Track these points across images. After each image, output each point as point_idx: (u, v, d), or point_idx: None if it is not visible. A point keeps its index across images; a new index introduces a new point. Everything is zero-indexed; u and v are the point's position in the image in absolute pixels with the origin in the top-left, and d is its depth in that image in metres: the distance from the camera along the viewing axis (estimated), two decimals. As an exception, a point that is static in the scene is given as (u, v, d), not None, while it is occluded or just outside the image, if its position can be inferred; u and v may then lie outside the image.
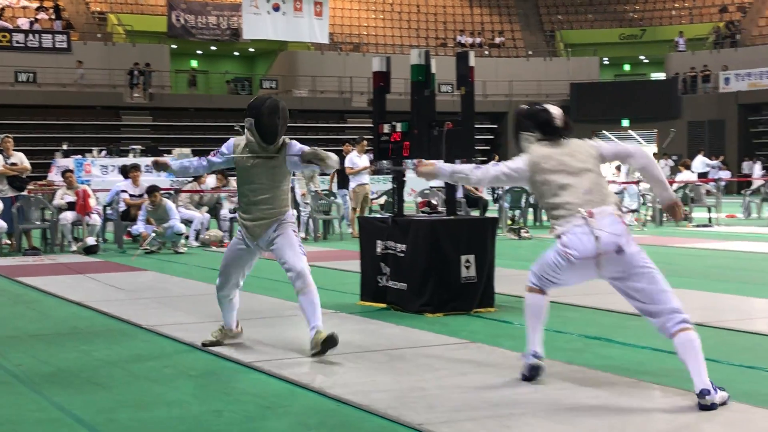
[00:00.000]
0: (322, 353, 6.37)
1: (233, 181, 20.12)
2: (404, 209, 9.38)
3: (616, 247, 5.38)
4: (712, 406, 5.08)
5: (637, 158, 5.75)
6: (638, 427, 4.78)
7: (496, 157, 28.17)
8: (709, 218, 21.38)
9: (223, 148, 6.81)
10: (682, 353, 5.29)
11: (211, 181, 18.69)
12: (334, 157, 6.59)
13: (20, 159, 15.79)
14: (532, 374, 5.73)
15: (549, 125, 5.81)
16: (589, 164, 5.67)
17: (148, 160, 34.67)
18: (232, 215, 17.37)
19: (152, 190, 15.96)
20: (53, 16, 42.93)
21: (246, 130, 6.62)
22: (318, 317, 6.47)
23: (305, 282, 6.50)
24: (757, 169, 34.71)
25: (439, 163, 6.37)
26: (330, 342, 6.35)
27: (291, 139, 6.79)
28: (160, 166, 6.96)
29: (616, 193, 22.04)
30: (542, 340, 5.76)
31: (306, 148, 6.64)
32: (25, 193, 16.16)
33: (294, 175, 7.04)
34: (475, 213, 18.98)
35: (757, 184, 25.79)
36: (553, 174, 5.63)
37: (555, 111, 5.88)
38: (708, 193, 22.89)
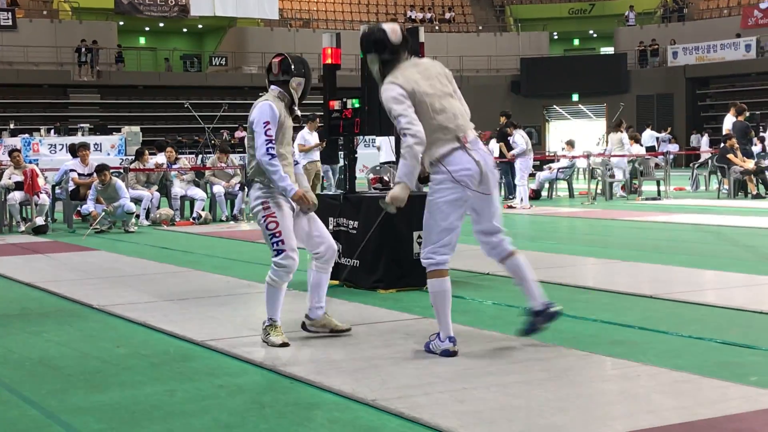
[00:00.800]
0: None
1: (184, 159, 20.03)
2: (356, 186, 9.37)
3: (493, 165, 5.78)
4: (559, 312, 5.86)
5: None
6: (590, 399, 4.83)
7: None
8: (658, 191, 21.59)
9: (269, 118, 6.15)
10: (519, 273, 5.87)
11: (157, 159, 18.31)
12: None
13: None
14: (448, 356, 5.77)
15: (384, 44, 5.77)
16: (450, 88, 5.83)
17: (96, 139, 33.76)
18: (183, 194, 17.24)
19: (102, 168, 15.78)
20: (-2, -7, 42.25)
21: (290, 88, 6.27)
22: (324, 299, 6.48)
23: (329, 263, 6.42)
24: (705, 142, 35.03)
25: (400, 182, 5.88)
26: (340, 332, 6.46)
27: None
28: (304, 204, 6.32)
29: (566, 168, 22.33)
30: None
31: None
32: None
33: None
34: (427, 189, 18.95)
35: (704, 156, 26.09)
36: (428, 97, 5.66)
37: (389, 28, 5.82)
38: (657, 166, 23.11)
